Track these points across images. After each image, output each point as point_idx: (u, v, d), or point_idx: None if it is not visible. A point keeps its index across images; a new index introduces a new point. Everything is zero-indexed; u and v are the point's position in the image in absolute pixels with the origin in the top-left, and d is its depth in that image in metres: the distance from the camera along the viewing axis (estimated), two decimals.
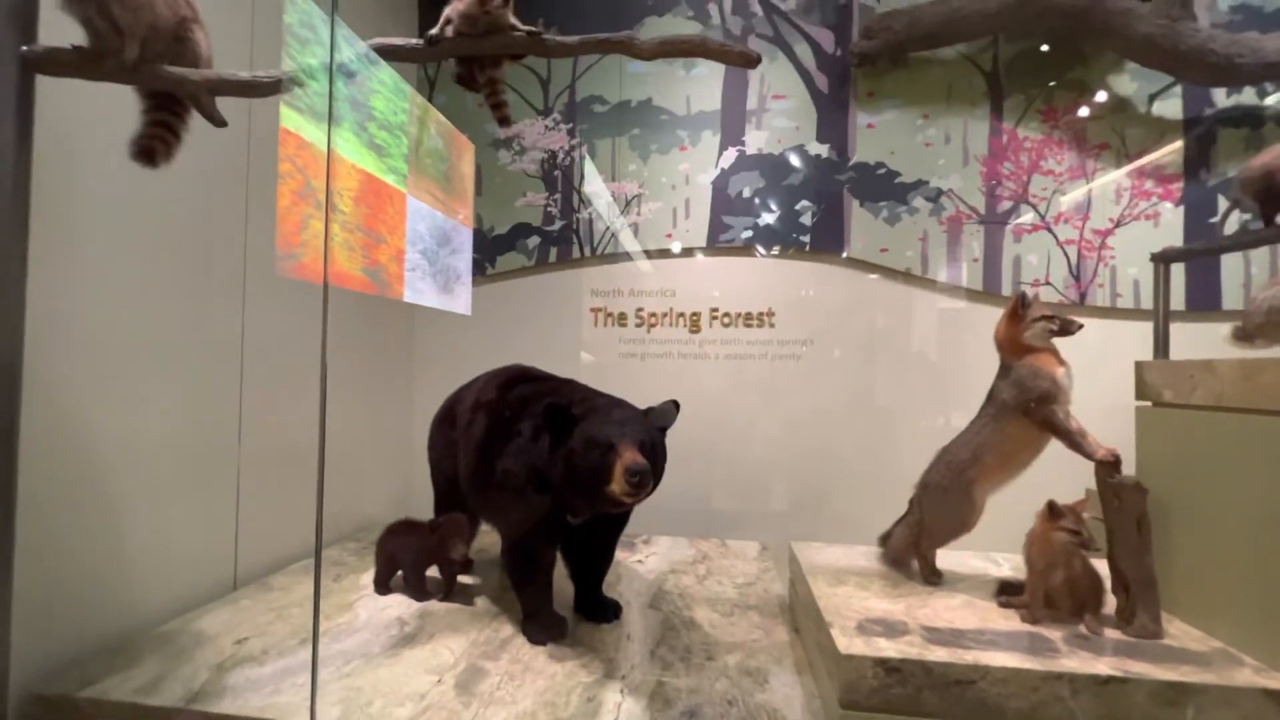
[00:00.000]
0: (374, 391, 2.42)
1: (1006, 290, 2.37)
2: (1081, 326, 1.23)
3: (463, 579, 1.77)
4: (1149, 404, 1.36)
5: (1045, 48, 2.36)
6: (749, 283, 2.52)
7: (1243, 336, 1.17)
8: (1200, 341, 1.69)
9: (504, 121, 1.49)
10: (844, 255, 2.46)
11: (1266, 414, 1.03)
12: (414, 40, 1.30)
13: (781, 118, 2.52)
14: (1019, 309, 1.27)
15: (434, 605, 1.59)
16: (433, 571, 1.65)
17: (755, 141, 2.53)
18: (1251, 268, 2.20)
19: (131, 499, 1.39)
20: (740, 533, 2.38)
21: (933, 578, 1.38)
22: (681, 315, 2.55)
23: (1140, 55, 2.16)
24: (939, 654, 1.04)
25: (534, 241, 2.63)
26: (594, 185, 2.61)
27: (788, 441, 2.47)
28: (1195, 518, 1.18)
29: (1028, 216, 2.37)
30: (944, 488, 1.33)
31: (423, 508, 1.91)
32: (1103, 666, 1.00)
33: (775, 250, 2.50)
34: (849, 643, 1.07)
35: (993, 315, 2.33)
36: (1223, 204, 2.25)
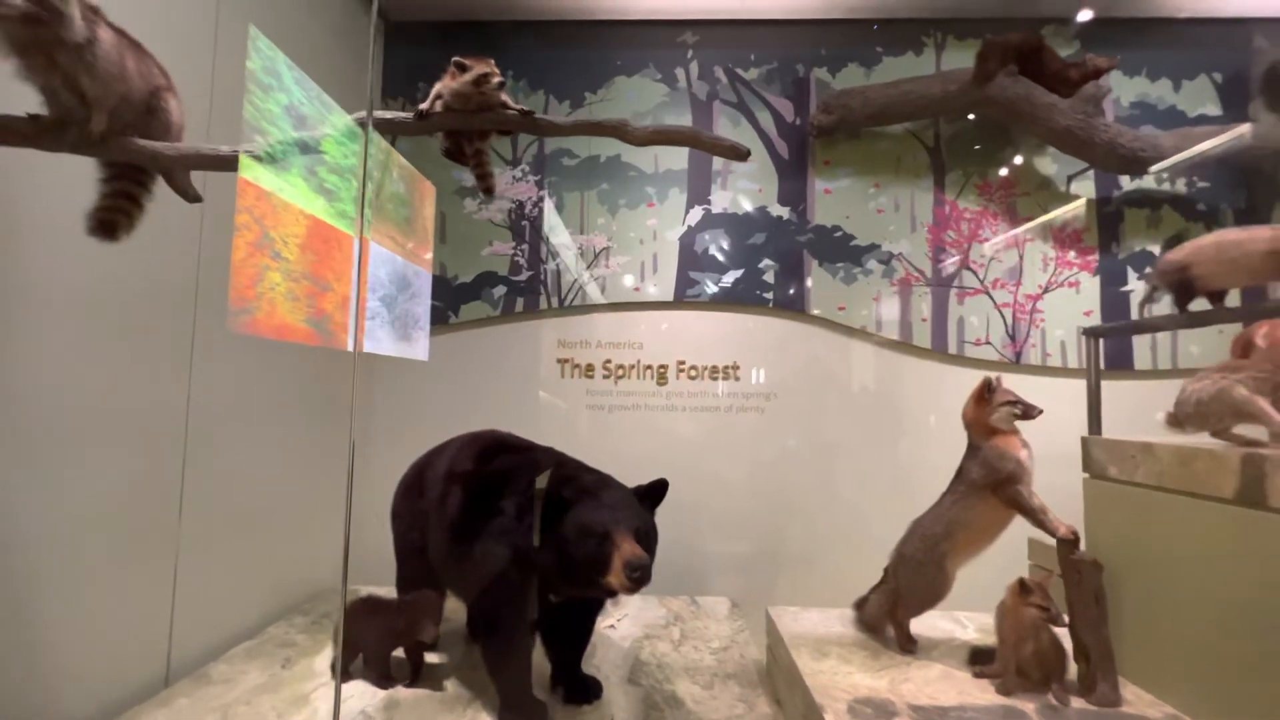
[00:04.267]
0: (324, 448, 2.27)
1: (953, 349, 2.54)
2: (1041, 412, 1.34)
3: (427, 657, 1.67)
4: (1094, 477, 1.48)
5: (981, 131, 2.59)
6: (715, 337, 2.58)
7: (1175, 423, 1.31)
8: (1118, 397, 1.98)
9: (488, 191, 1.48)
10: (804, 312, 2.57)
11: (1201, 498, 1.15)
12: (404, 114, 1.27)
13: (745, 180, 2.64)
14: (985, 393, 1.37)
15: (400, 692, 1.49)
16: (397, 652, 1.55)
17: (720, 201, 2.62)
18: (1157, 336, 2.46)
19: (50, 587, 1.23)
20: (708, 588, 2.38)
21: (909, 646, 1.43)
22: (649, 368, 2.57)
23: (1061, 144, 2.41)
24: None
25: (500, 291, 2.59)
26: (562, 237, 2.61)
27: (753, 494, 2.52)
28: (1142, 588, 1.29)
29: (970, 280, 2.57)
30: (919, 560, 1.39)
31: (376, 575, 1.80)
32: None
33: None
34: None
35: (941, 372, 2.54)
36: (1130, 274, 2.52)
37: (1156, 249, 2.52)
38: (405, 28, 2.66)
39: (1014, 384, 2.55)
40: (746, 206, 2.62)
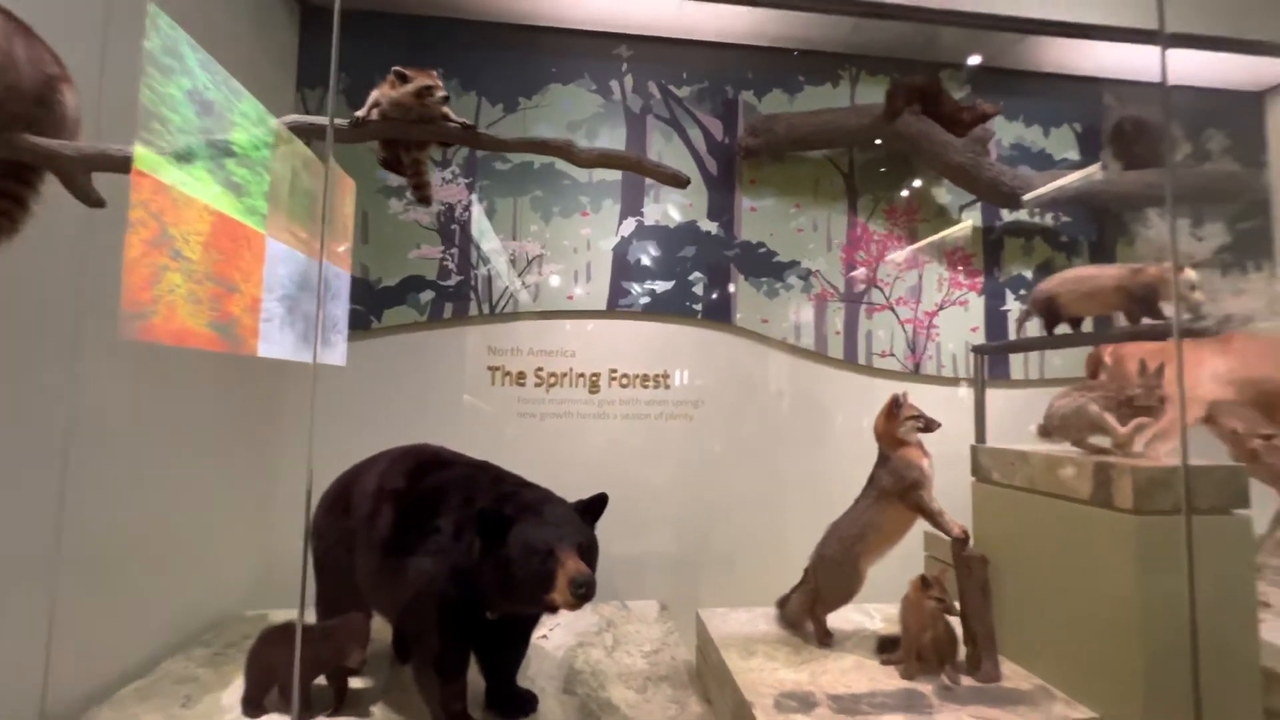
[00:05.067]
0: (228, 463, 2.10)
1: (862, 359, 2.76)
2: (939, 425, 1.51)
3: (352, 683, 1.60)
4: (981, 481, 1.69)
5: (889, 162, 2.84)
6: (646, 345, 2.64)
7: (1044, 434, 1.53)
8: (998, 404, 2.31)
9: (425, 201, 1.45)
10: (730, 323, 2.69)
11: (1064, 499, 1.35)
12: (340, 120, 1.22)
13: (676, 194, 2.71)
14: (893, 409, 1.52)
15: None
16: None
17: (653, 214, 2.69)
18: (1032, 353, 2.82)
19: None
20: (639, 592, 2.44)
21: (827, 640, 1.56)
22: (581, 375, 2.59)
23: (954, 177, 2.69)
24: None
25: (428, 296, 2.50)
26: (493, 242, 2.57)
27: (681, 499, 2.60)
28: (1019, 578, 1.49)
29: (877, 297, 2.81)
30: (837, 560, 1.52)
31: (287, 598, 1.70)
32: (966, 716, 1.22)
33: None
34: None
35: (852, 381, 2.76)
36: (1009, 295, 2.86)
37: (1030, 273, 2.88)
38: (323, 13, 2.50)
39: (913, 391, 2.82)
40: (677, 220, 2.70)
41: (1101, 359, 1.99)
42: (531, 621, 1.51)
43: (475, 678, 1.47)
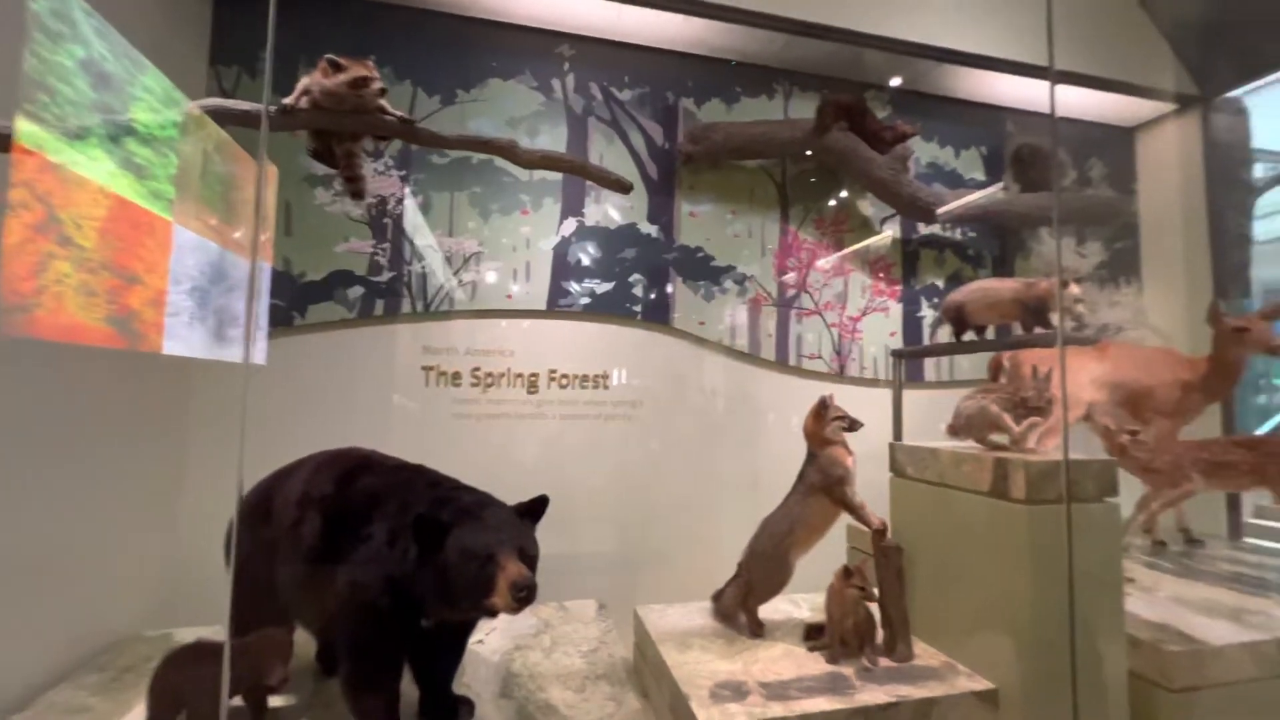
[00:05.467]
0: (129, 470, 1.92)
1: (793, 361, 2.90)
2: (862, 425, 1.61)
3: (272, 701, 1.51)
4: (898, 476, 1.82)
5: (819, 174, 2.99)
6: (586, 346, 2.65)
7: (952, 433, 1.67)
8: (913, 403, 2.47)
9: (358, 195, 1.39)
10: (669, 325, 2.75)
11: (966, 491, 1.48)
12: (257, 105, 1.15)
13: (617, 196, 2.74)
14: (821, 410, 1.61)
15: None
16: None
17: (594, 215, 2.70)
18: (943, 357, 3.05)
19: None
20: (577, 591, 2.44)
21: (758, 630, 1.64)
22: (520, 376, 2.56)
23: (877, 192, 2.88)
24: (776, 709, 1.25)
25: (357, 292, 2.39)
26: (428, 238, 2.49)
27: (620, 499, 2.63)
28: (930, 564, 1.62)
29: (807, 302, 2.95)
30: (768, 554, 1.60)
31: (195, 615, 1.59)
32: (882, 695, 1.32)
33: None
34: (708, 714, 1.22)
35: (783, 382, 2.88)
36: (924, 302, 3.09)
37: (942, 283, 3.12)
38: None
39: (838, 392, 2.98)
40: (618, 221, 2.73)
41: (1001, 363, 2.20)
42: (469, 627, 1.48)
43: (408, 687, 1.43)
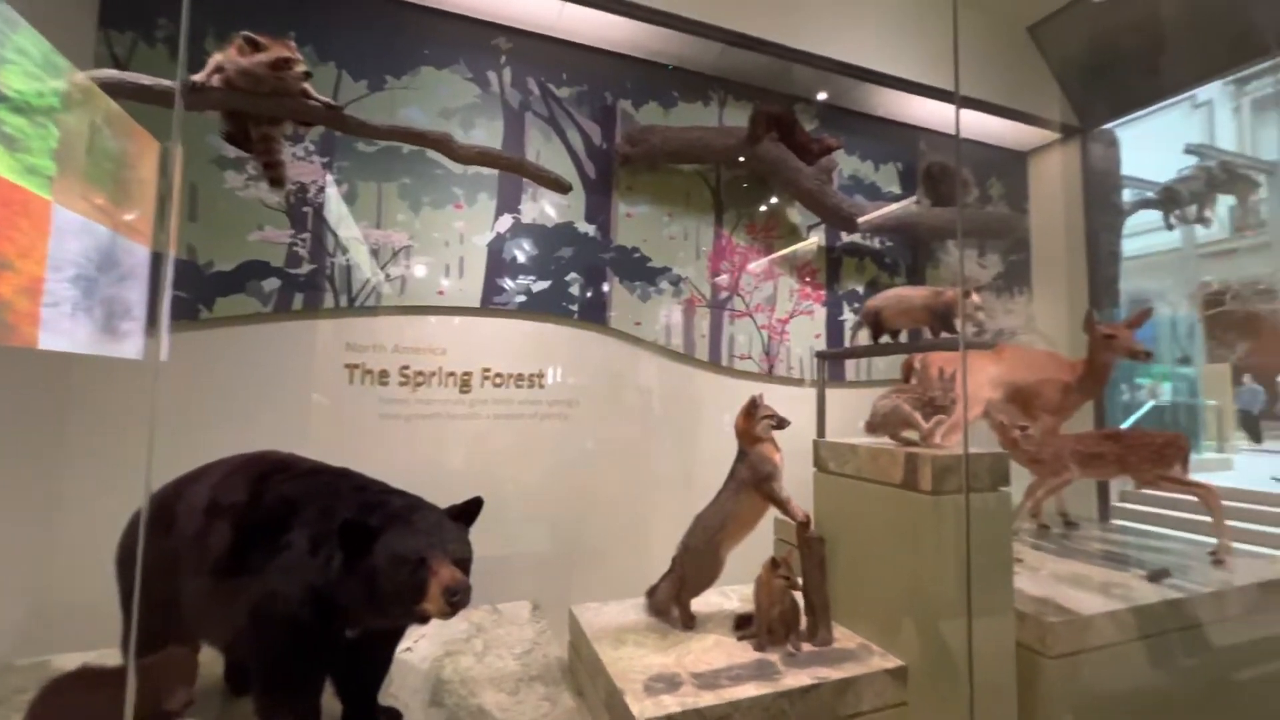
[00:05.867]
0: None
1: (725, 361, 2.99)
2: (790, 423, 1.70)
3: None
4: (821, 471, 1.94)
5: (751, 181, 3.10)
6: (521, 345, 2.62)
7: (870, 430, 1.80)
8: (835, 401, 2.57)
9: (277, 183, 1.31)
10: (605, 324, 2.76)
11: (881, 484, 1.60)
12: (165, 81, 1.06)
13: (555, 194, 2.71)
14: (751, 409, 1.69)
15: None
16: None
17: (530, 212, 2.67)
18: (864, 360, 3.26)
19: None
20: (511, 593, 2.41)
21: (690, 623, 1.69)
22: (452, 374, 2.49)
23: (804, 201, 3.03)
24: (707, 698, 1.29)
25: (273, 284, 2.24)
26: (354, 230, 2.37)
27: (555, 498, 2.62)
28: (849, 553, 1.73)
29: (739, 304, 3.06)
30: (700, 549, 1.65)
31: (74, 640, 1.44)
32: (805, 678, 1.40)
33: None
34: (641, 707, 1.25)
35: (716, 381, 2.97)
36: (845, 307, 3.28)
37: (862, 289, 3.32)
38: None
39: (767, 391, 3.11)
40: (555, 219, 2.71)
41: (913, 365, 2.38)
42: (396, 635, 1.43)
43: (331, 701, 1.37)
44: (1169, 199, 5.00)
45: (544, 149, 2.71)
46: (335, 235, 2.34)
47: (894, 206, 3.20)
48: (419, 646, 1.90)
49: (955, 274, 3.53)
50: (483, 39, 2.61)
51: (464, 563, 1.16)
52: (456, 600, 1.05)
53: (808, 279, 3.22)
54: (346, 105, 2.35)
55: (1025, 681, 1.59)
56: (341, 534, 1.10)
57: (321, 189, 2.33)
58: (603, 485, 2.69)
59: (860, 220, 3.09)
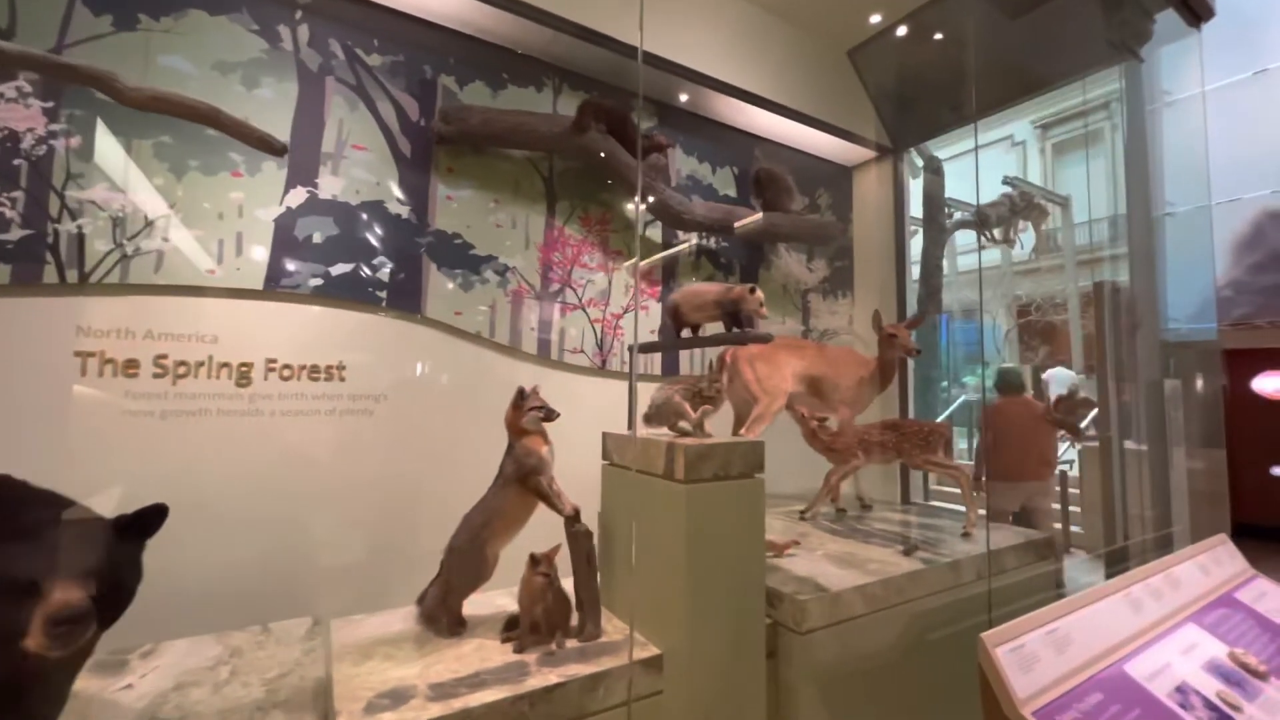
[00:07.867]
0: None
1: (555, 355, 2.92)
2: (559, 415, 1.66)
3: None
4: (608, 463, 1.92)
5: (585, 173, 3.06)
6: (318, 334, 2.36)
7: (648, 421, 1.81)
8: None
9: None
10: (420, 314, 2.58)
11: (648, 474, 1.61)
12: None
13: (361, 169, 2.49)
14: (519, 400, 1.62)
15: None
16: None
17: (330, 187, 2.42)
18: (695, 349, 3.34)
19: None
20: (293, 610, 2.16)
21: (458, 628, 1.59)
22: (226, 366, 2.19)
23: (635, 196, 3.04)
24: (433, 710, 1.20)
25: None
26: (91, 192, 2.00)
27: (356, 502, 2.39)
28: (625, 543, 1.73)
29: (570, 297, 3.00)
30: (464, 549, 1.56)
31: None
32: (554, 677, 1.36)
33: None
34: None
35: (544, 375, 2.89)
36: None
37: None
38: None
39: (599, 385, 3.08)
40: (362, 197, 2.48)
41: (724, 359, 2.45)
42: (60, 675, 1.19)
43: None
44: (981, 220, 5.73)
45: (350, 119, 2.47)
46: (61, 196, 1.96)
47: (751, 220, 3.33)
48: (144, 683, 1.63)
49: (784, 274, 3.76)
50: None
51: (109, 575, 0.97)
52: (63, 631, 0.87)
53: (643, 274, 3.24)
54: (87, 42, 1.98)
55: (782, 658, 1.68)
56: None
57: (43, 140, 1.93)
58: (412, 486, 2.50)
59: (689, 219, 3.17)
